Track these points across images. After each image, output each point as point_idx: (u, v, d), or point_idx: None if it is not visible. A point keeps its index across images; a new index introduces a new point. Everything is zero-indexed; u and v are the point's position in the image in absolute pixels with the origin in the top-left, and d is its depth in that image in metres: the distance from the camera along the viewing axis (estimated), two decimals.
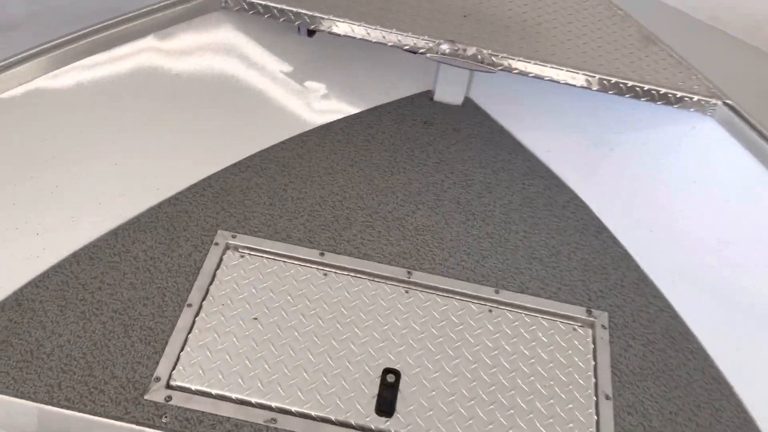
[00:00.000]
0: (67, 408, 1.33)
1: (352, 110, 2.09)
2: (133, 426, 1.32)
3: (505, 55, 1.72)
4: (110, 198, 1.68)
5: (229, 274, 1.58)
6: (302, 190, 1.81)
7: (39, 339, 1.41)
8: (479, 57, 1.70)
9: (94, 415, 1.33)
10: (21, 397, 1.33)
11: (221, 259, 1.62)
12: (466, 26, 1.79)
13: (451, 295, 1.62)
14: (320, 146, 1.96)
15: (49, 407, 1.33)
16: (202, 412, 1.34)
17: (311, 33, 1.89)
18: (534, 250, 1.75)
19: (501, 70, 1.74)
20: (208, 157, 1.85)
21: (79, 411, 1.33)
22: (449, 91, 2.18)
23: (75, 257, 1.57)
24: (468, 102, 2.21)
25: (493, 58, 1.72)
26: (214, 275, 1.58)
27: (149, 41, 1.78)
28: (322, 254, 1.65)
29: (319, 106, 2.06)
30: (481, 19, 1.83)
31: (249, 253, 1.64)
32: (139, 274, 1.56)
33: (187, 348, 1.44)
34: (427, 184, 1.89)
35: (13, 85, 1.62)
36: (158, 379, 1.38)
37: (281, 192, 1.80)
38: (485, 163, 1.99)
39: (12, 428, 1.49)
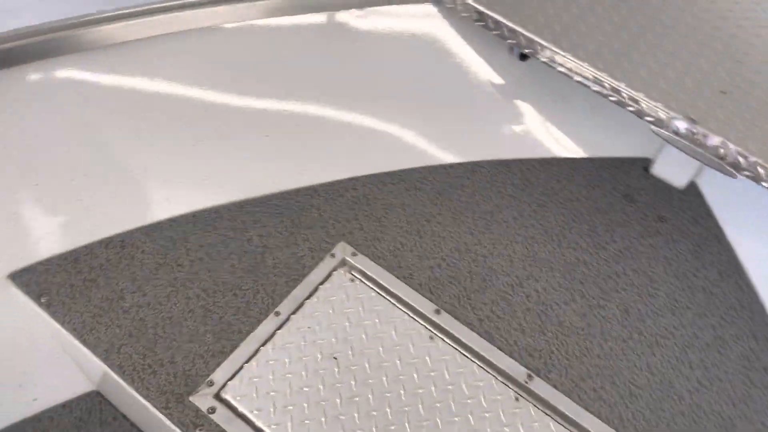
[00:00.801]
0: (117, 374, 1.25)
1: (542, 153, 1.76)
2: (165, 421, 1.21)
3: (760, 161, 1.28)
4: (252, 168, 1.57)
5: (331, 295, 1.40)
6: (447, 228, 1.55)
7: (123, 290, 1.35)
8: (722, 151, 1.28)
9: (136, 392, 1.23)
10: (82, 343, 1.28)
11: (330, 275, 1.43)
12: (718, 106, 1.37)
13: (571, 427, 1.28)
14: (489, 183, 1.67)
15: (101, 363, 1.26)
16: None
17: (524, 57, 1.59)
18: (696, 412, 1.33)
19: (747, 176, 1.30)
20: (366, 156, 1.66)
21: (125, 382, 1.24)
22: (672, 169, 1.76)
23: (194, 217, 1.49)
24: (692, 189, 1.76)
25: (740, 158, 1.28)
26: (315, 289, 1.40)
27: (349, 14, 1.61)
28: (437, 312, 1.40)
29: (506, 136, 1.77)
30: (743, 101, 1.39)
31: (361, 280, 1.44)
32: (243, 259, 1.43)
33: (253, 361, 1.29)
34: (597, 275, 1.53)
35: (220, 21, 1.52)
36: (211, 383, 1.25)
37: (424, 222, 1.56)
38: (682, 274, 1.56)
39: (75, 361, 1.47)
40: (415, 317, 1.39)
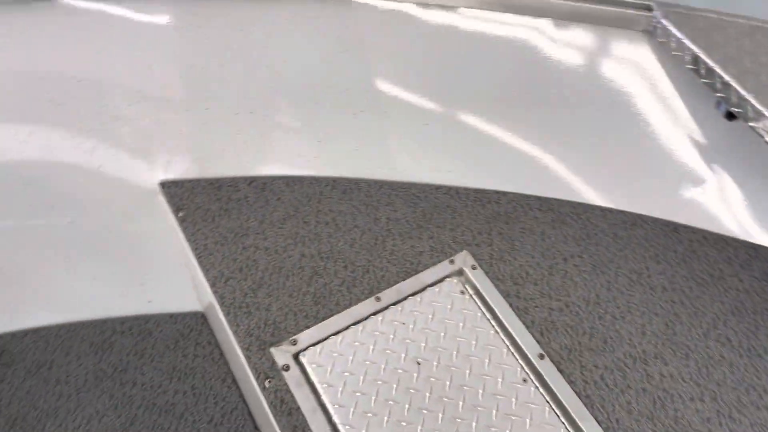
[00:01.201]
0: (217, 302, 1.30)
1: (719, 228, 1.54)
2: (243, 361, 1.23)
3: None
4: (401, 151, 1.55)
5: (436, 300, 1.34)
6: (584, 273, 1.42)
7: (249, 229, 1.40)
8: None
9: (228, 326, 1.27)
10: (199, 264, 1.35)
11: (442, 280, 1.37)
12: None
13: None
14: (647, 242, 1.50)
15: (209, 288, 1.32)
16: (298, 408, 1.17)
17: (731, 116, 1.39)
18: None
19: None
20: (520, 174, 1.57)
21: (222, 312, 1.29)
22: None
23: (334, 181, 1.51)
24: None
25: None
26: (423, 289, 1.35)
27: (547, 23, 1.51)
28: (541, 357, 1.28)
29: (683, 197, 1.57)
30: None
31: (471, 295, 1.36)
32: (365, 237, 1.42)
33: (340, 336, 1.27)
34: (740, 382, 1.30)
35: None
36: (294, 342, 1.25)
37: (560, 260, 1.43)
38: None
39: (192, 278, 1.56)
40: (515, 353, 1.28)
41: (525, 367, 1.26)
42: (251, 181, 1.49)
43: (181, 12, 1.35)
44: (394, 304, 1.32)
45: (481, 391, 1.22)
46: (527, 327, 1.31)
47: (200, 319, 1.73)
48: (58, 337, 1.69)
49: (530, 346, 1.29)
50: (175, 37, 1.33)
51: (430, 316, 1.31)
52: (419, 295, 1.34)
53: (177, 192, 1.45)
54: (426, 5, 1.47)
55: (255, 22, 1.40)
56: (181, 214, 1.41)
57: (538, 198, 1.54)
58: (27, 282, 1.63)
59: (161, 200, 1.45)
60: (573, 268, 1.43)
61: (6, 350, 1.63)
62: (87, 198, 1.50)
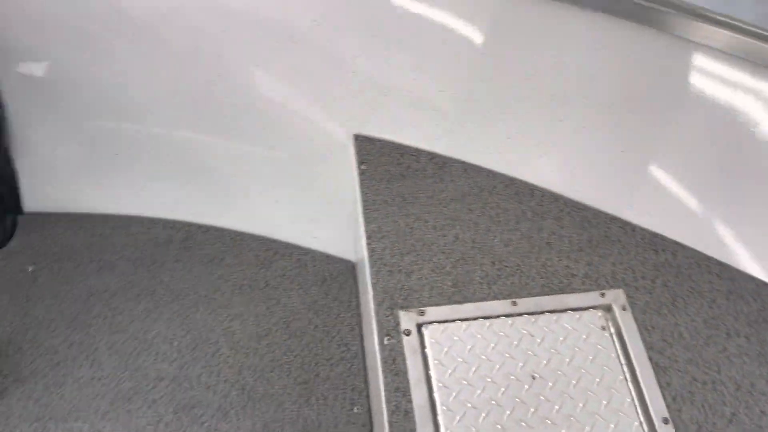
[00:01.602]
0: (367, 254, 1.38)
1: None
2: (372, 314, 1.30)
3: None
4: (586, 168, 1.51)
5: (572, 325, 1.30)
6: (744, 356, 1.28)
7: (417, 198, 1.46)
8: None
9: (370, 278, 1.35)
10: (364, 217, 1.44)
11: (587, 309, 1.32)
12: None
13: None
14: None
15: (364, 240, 1.41)
16: (405, 373, 1.22)
17: None
18: None
19: None
20: (707, 233, 1.44)
21: (368, 264, 1.37)
22: None
23: (511, 182, 1.52)
24: None
25: None
26: (563, 311, 1.32)
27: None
28: (666, 421, 1.19)
29: None
30: None
31: (611, 334, 1.29)
32: (522, 242, 1.41)
33: (466, 324, 1.29)
34: None
35: None
36: (422, 313, 1.29)
37: (723, 335, 1.30)
38: None
39: (353, 228, 1.66)
40: (638, 406, 1.21)
41: (644, 424, 1.18)
42: (433, 156, 1.55)
43: None
44: (530, 314, 1.31)
45: (588, 429, 1.17)
46: (661, 387, 1.22)
47: (350, 268, 1.85)
48: (233, 241, 1.90)
49: (657, 406, 1.20)
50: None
51: (561, 338, 1.27)
52: (558, 314, 1.31)
53: (366, 147, 1.55)
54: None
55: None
56: (363, 167, 1.52)
57: (720, 263, 1.41)
58: (225, 187, 1.86)
59: (351, 151, 1.56)
60: (735, 347, 1.29)
61: (190, 237, 1.88)
62: (294, 134, 1.67)
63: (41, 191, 1.85)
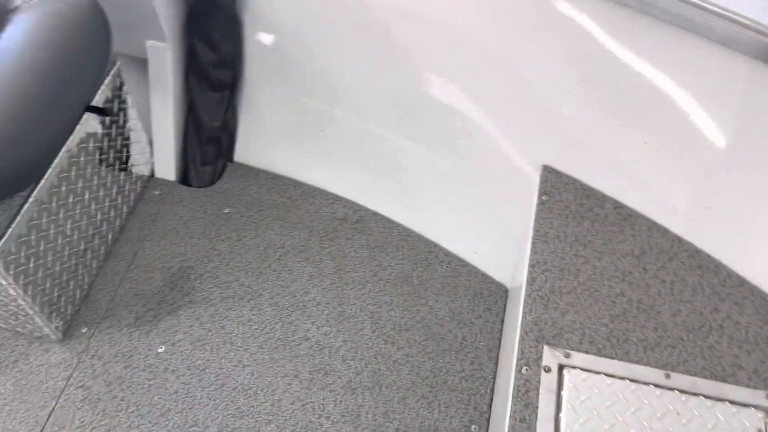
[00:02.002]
0: (527, 282, 1.40)
1: None
2: (517, 339, 1.32)
3: None
4: (738, 241, 1.39)
5: (726, 418, 1.21)
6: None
7: (591, 243, 1.45)
8: None
9: (523, 306, 1.36)
10: (531, 246, 1.46)
11: (746, 406, 1.23)
12: None
13: None
14: None
15: (525, 268, 1.42)
16: (536, 408, 1.22)
17: None
18: None
19: None
20: None
21: (525, 293, 1.38)
22: None
23: (696, 253, 1.44)
24: None
25: None
26: (719, 400, 1.24)
27: None
28: None
29: None
30: None
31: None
32: (692, 317, 1.34)
33: (610, 380, 1.26)
34: None
35: None
36: (567, 355, 1.28)
37: None
38: None
39: (516, 257, 1.68)
40: None
41: None
42: (619, 206, 1.52)
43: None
44: (682, 391, 1.24)
45: None
46: None
47: (503, 293, 1.86)
48: (400, 234, 2.00)
49: None
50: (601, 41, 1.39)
51: (710, 427, 1.19)
52: (713, 402, 1.23)
53: (552, 180, 1.56)
54: None
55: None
56: (544, 197, 1.53)
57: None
58: (406, 185, 1.95)
59: (536, 180, 1.58)
60: None
61: (363, 220, 2.01)
62: (484, 152, 1.72)
63: (252, 146, 2.09)
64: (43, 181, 1.50)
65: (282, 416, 1.63)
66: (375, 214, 2.01)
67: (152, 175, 2.06)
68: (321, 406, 1.65)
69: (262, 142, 2.07)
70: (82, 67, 1.44)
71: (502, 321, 1.80)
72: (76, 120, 1.52)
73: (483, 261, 1.90)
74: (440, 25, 1.58)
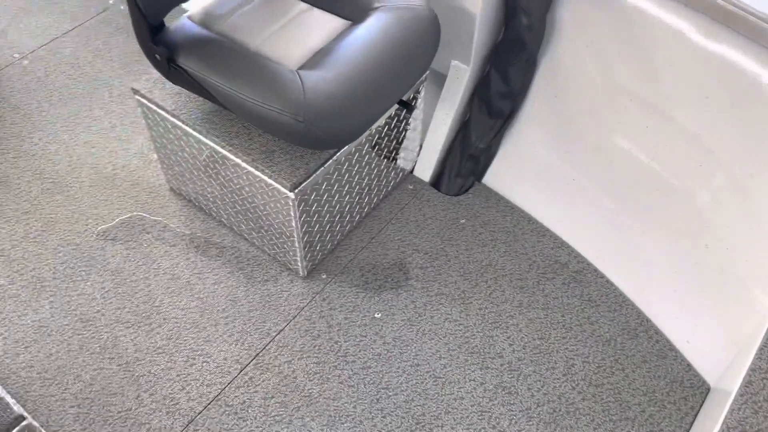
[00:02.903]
0: (741, 384, 1.40)
1: None
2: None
3: None
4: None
5: None
6: None
7: None
8: None
9: (729, 409, 1.37)
10: (757, 351, 1.45)
11: None
12: None
13: None
14: None
15: (744, 368, 1.42)
16: None
17: None
18: None
19: None
20: None
21: (737, 393, 1.39)
22: None
23: None
24: None
25: None
26: None
27: None
28: None
29: None
30: None
31: None
32: None
33: None
34: None
35: None
36: None
37: None
38: None
39: None
40: None
41: None
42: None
43: None
44: None
45: None
46: None
47: (704, 389, 1.84)
48: (615, 299, 2.06)
49: None
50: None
51: None
52: None
53: None
54: None
55: None
56: None
57: None
58: (641, 255, 2.01)
59: None
60: None
61: (583, 272, 2.10)
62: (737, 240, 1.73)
63: (502, 174, 2.28)
64: (347, 147, 1.82)
65: (461, 413, 1.78)
66: (596, 270, 2.08)
67: (411, 171, 2.34)
68: (497, 420, 1.77)
69: (512, 173, 2.26)
70: (413, 66, 1.74)
71: (695, 415, 1.78)
72: (390, 106, 1.82)
73: (692, 352, 1.88)
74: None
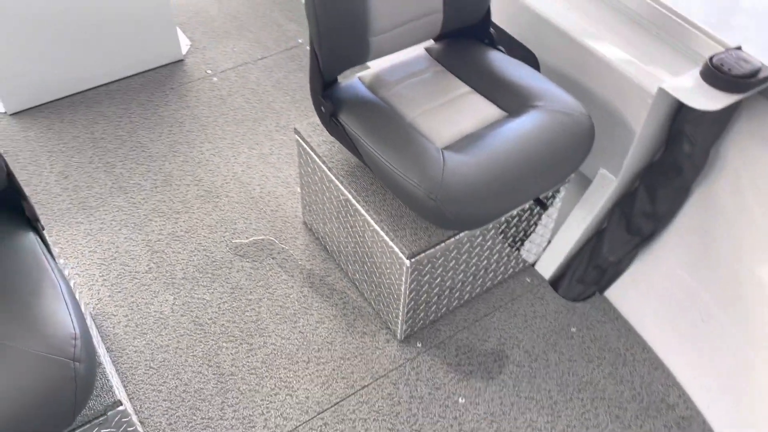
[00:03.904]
0: None
1: None
2: None
3: None
4: None
5: None
6: None
7: None
8: None
9: None
10: None
11: None
12: None
13: None
14: None
15: None
16: None
17: None
18: None
19: None
20: None
21: None
22: None
23: None
24: None
25: None
26: None
27: None
28: None
29: None
30: None
31: None
32: None
33: None
34: None
35: None
36: None
37: None
38: None
39: None
40: None
41: None
42: None
43: None
44: None
45: None
46: None
47: None
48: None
49: None
50: None
51: None
52: None
53: None
54: None
55: None
56: None
57: None
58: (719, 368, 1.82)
59: None
60: None
61: (688, 417, 1.93)
62: None
63: (628, 293, 2.18)
64: (483, 227, 1.85)
65: None
66: (705, 422, 1.92)
67: (533, 264, 2.31)
68: None
69: (638, 293, 2.15)
70: (558, 170, 1.74)
71: None
72: (525, 203, 1.83)
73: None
74: None
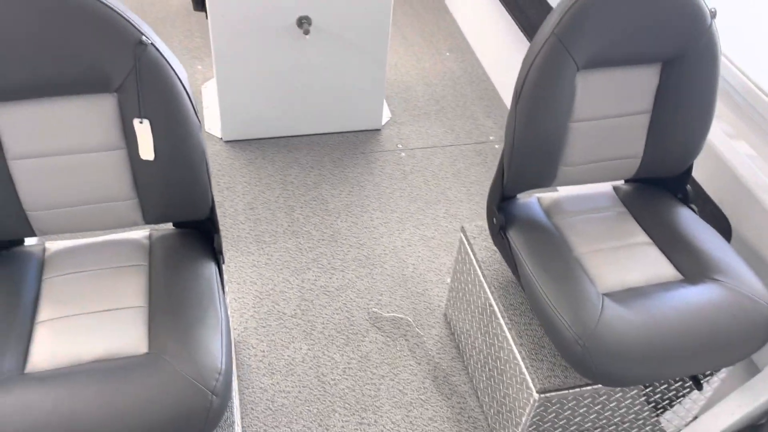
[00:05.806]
0: None
1: None
2: None
3: None
4: None
5: None
6: None
7: None
8: None
9: None
10: None
11: None
12: None
13: None
14: None
15: None
16: None
17: None
18: None
19: None
20: None
21: None
22: None
23: None
24: None
25: None
26: None
27: None
28: None
29: None
30: None
31: None
32: None
33: None
34: None
35: None
36: None
37: None
38: None
39: None
40: None
41: None
42: None
43: None
44: None
45: None
46: None
47: None
48: None
49: None
50: None
51: None
52: None
53: None
54: None
55: None
56: None
57: None
58: None
59: None
60: None
61: None
62: None
63: None
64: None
65: None
66: None
67: None
68: None
69: None
70: (725, 355, 1.61)
71: None
72: (679, 376, 1.71)
73: None
74: None
